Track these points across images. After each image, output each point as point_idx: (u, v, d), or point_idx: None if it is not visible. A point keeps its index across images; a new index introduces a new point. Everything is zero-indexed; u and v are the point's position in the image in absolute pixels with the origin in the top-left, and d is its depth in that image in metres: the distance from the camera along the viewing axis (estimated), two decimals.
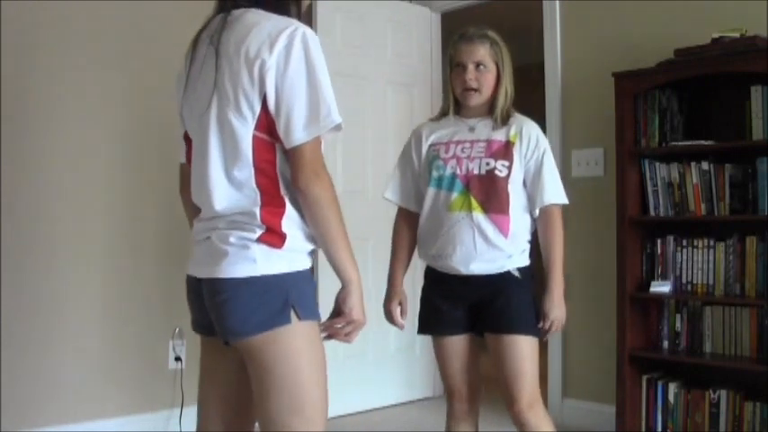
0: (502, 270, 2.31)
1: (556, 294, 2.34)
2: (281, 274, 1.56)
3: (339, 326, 1.66)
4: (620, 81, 3.43)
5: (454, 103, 2.43)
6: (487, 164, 2.30)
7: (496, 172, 2.30)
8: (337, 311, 1.66)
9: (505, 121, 2.35)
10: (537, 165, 2.33)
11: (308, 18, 4.15)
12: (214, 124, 1.59)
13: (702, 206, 3.24)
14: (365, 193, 4.28)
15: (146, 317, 3.59)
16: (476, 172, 2.31)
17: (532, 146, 2.33)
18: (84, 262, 3.47)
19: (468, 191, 2.30)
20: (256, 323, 1.54)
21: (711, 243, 3.25)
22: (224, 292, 1.55)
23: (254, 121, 1.55)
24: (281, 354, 1.55)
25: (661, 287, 3.33)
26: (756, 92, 3.11)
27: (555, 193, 2.34)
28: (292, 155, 1.55)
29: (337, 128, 1.59)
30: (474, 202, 2.29)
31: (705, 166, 3.23)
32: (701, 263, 3.28)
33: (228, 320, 1.56)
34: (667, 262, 3.38)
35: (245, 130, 1.56)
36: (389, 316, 2.47)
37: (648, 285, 3.38)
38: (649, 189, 3.38)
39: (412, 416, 4.17)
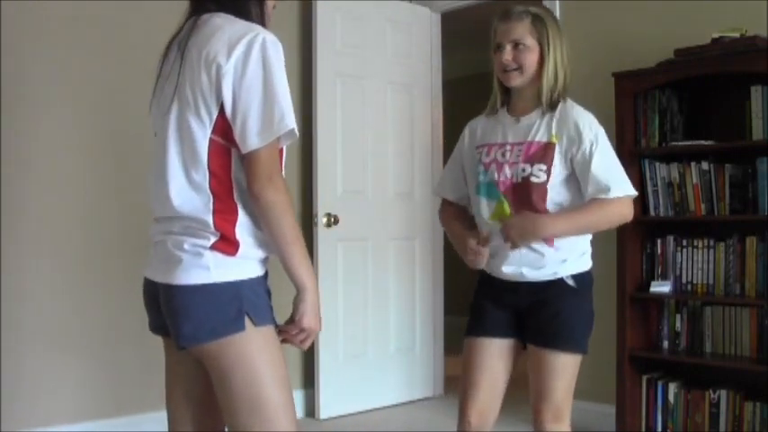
0: (555, 277, 2.15)
1: (542, 217, 2.10)
2: (235, 281, 1.58)
3: (293, 332, 1.66)
4: (620, 81, 3.43)
5: (505, 93, 2.25)
6: (523, 170, 2.13)
7: (532, 179, 2.11)
8: (292, 317, 1.66)
9: (552, 108, 2.14)
10: (584, 159, 2.10)
11: (307, 18, 4.15)
12: (174, 126, 1.62)
13: (702, 206, 3.24)
14: (365, 193, 4.29)
15: (145, 316, 3.58)
16: (513, 179, 2.14)
17: (575, 140, 2.10)
18: (82, 261, 3.47)
19: (505, 199, 2.15)
20: (210, 330, 1.56)
21: (711, 243, 3.25)
22: (178, 299, 1.58)
23: (212, 125, 1.58)
24: (237, 360, 1.58)
25: (661, 287, 3.33)
26: (756, 92, 3.11)
27: (604, 188, 2.10)
28: (247, 160, 1.57)
29: (291, 134, 1.59)
30: (510, 212, 2.14)
31: (705, 166, 3.23)
32: (701, 263, 3.28)
33: (183, 327, 1.58)
34: (667, 262, 3.38)
35: (203, 134, 1.58)
36: (473, 258, 2.20)
37: (648, 285, 3.38)
38: (649, 189, 3.38)
39: (412, 416, 4.17)
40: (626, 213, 2.19)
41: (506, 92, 2.26)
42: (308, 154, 4.17)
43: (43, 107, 3.37)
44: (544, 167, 2.12)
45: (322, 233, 4.09)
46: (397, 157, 4.43)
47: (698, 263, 3.29)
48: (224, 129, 1.57)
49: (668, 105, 3.38)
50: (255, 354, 1.59)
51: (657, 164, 3.36)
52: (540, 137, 2.15)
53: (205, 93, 1.56)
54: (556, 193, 2.13)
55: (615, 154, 2.18)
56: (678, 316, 3.37)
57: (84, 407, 3.43)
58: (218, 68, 1.55)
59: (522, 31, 2.14)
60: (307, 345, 1.68)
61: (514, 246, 2.13)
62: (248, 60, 1.55)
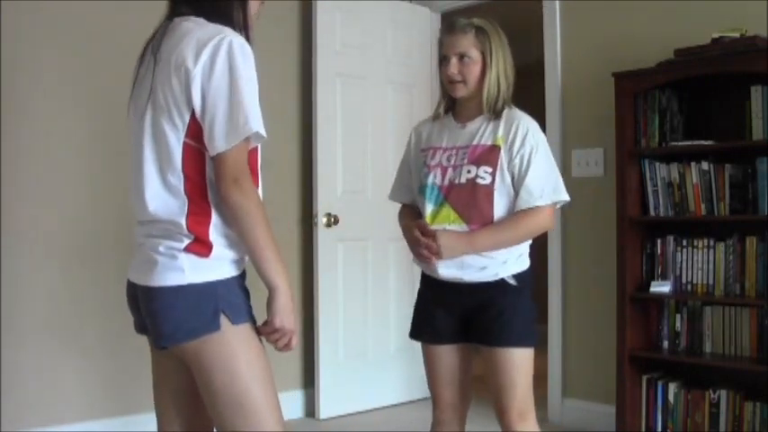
0: (496, 278, 2.21)
1: (462, 241, 2.16)
2: (210, 282, 1.59)
3: (268, 332, 1.65)
4: (620, 81, 3.43)
5: (450, 100, 2.36)
6: (468, 171, 2.20)
7: (478, 180, 2.18)
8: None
9: (498, 115, 2.23)
10: (521, 165, 2.18)
11: (307, 18, 4.15)
12: (149, 130, 1.64)
13: (702, 206, 3.24)
14: (365, 193, 4.28)
15: None
16: (456, 181, 2.21)
17: (518, 144, 2.19)
18: (81, 261, 3.47)
19: (448, 202, 2.21)
20: (188, 331, 1.58)
21: (711, 243, 3.25)
22: (156, 301, 1.61)
23: (185, 129, 1.59)
24: (216, 359, 1.59)
25: (661, 287, 3.33)
26: (756, 92, 3.11)
27: (537, 195, 2.18)
28: (215, 163, 1.57)
29: (258, 137, 1.59)
30: (453, 215, 2.20)
31: (705, 166, 3.23)
32: (701, 263, 3.28)
33: (162, 328, 1.61)
34: (667, 262, 3.38)
35: (176, 138, 1.59)
36: (418, 252, 2.24)
37: (648, 285, 3.38)
38: (649, 189, 3.38)
39: (412, 416, 4.17)
40: (545, 224, 2.25)
41: (452, 99, 2.35)
42: (308, 154, 4.17)
43: (42, 108, 3.37)
44: (489, 170, 2.19)
45: (322, 233, 4.09)
46: (397, 157, 4.39)
47: (698, 263, 3.29)
48: (197, 132, 1.59)
49: (668, 105, 3.38)
50: (234, 352, 1.60)
51: (657, 164, 3.36)
52: (486, 140, 2.23)
53: (177, 97, 1.58)
54: (502, 196, 2.20)
55: (554, 162, 2.27)
56: (678, 316, 3.37)
57: (84, 407, 3.43)
58: (186, 73, 1.56)
59: (467, 43, 2.23)
60: (281, 345, 1.66)
61: (437, 257, 2.19)
62: (215, 64, 1.55)
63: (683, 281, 3.33)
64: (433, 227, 2.21)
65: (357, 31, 4.24)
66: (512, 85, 2.29)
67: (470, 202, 2.19)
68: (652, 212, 3.38)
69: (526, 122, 2.23)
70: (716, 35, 3.17)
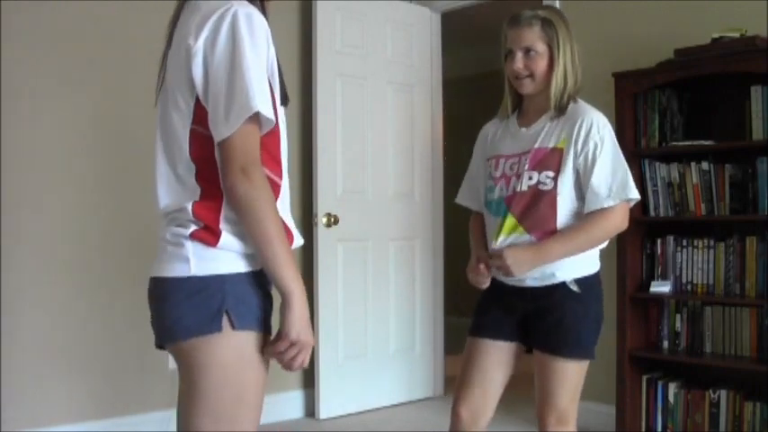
0: (557, 280, 2.11)
1: (530, 253, 2.07)
2: (217, 275, 1.42)
3: (283, 348, 1.43)
4: (620, 81, 3.43)
5: (517, 97, 2.25)
6: (530, 178, 2.10)
7: (540, 186, 2.09)
8: (280, 330, 1.45)
9: (562, 111, 2.12)
10: (586, 163, 2.08)
11: (307, 18, 4.15)
12: (159, 118, 1.53)
13: (702, 206, 3.24)
14: (365, 193, 4.28)
15: (146, 317, 3.58)
16: (518, 189, 2.11)
17: (581, 142, 2.08)
18: (83, 263, 3.47)
19: (510, 212, 2.12)
20: (185, 328, 1.41)
21: (711, 243, 3.25)
22: (158, 292, 1.47)
23: (191, 115, 1.44)
24: (207, 363, 1.42)
25: (661, 287, 3.33)
26: (756, 92, 3.11)
27: (604, 195, 2.08)
28: (221, 150, 1.40)
29: (265, 119, 1.41)
30: (515, 225, 2.12)
31: (705, 166, 3.23)
32: (701, 263, 3.28)
33: (160, 322, 1.48)
34: (667, 262, 3.38)
35: (183, 125, 1.45)
36: (474, 276, 2.20)
37: (648, 285, 3.39)
38: (649, 189, 3.39)
39: (412, 416, 4.17)
40: (619, 224, 2.15)
41: (519, 95, 2.24)
42: (308, 154, 4.17)
43: (43, 110, 3.37)
44: (552, 174, 2.10)
45: (322, 233, 4.09)
46: (397, 157, 4.43)
47: (698, 263, 3.29)
48: (204, 117, 1.42)
49: (668, 105, 3.38)
50: (227, 362, 1.42)
51: (657, 164, 3.36)
52: (547, 142, 2.13)
53: (180, 80, 1.44)
54: (567, 202, 2.11)
55: (622, 156, 2.15)
56: (678, 316, 3.37)
57: (84, 407, 3.43)
58: (187, 51, 1.41)
59: (533, 37, 2.13)
60: (297, 363, 1.46)
61: (509, 275, 2.11)
62: (217, 39, 1.38)
63: (683, 281, 3.33)
64: (499, 241, 2.14)
65: (357, 31, 4.24)
66: (579, 79, 2.18)
67: (531, 210, 2.10)
68: (652, 212, 3.38)
69: (590, 117, 2.11)
70: (716, 35, 3.17)
